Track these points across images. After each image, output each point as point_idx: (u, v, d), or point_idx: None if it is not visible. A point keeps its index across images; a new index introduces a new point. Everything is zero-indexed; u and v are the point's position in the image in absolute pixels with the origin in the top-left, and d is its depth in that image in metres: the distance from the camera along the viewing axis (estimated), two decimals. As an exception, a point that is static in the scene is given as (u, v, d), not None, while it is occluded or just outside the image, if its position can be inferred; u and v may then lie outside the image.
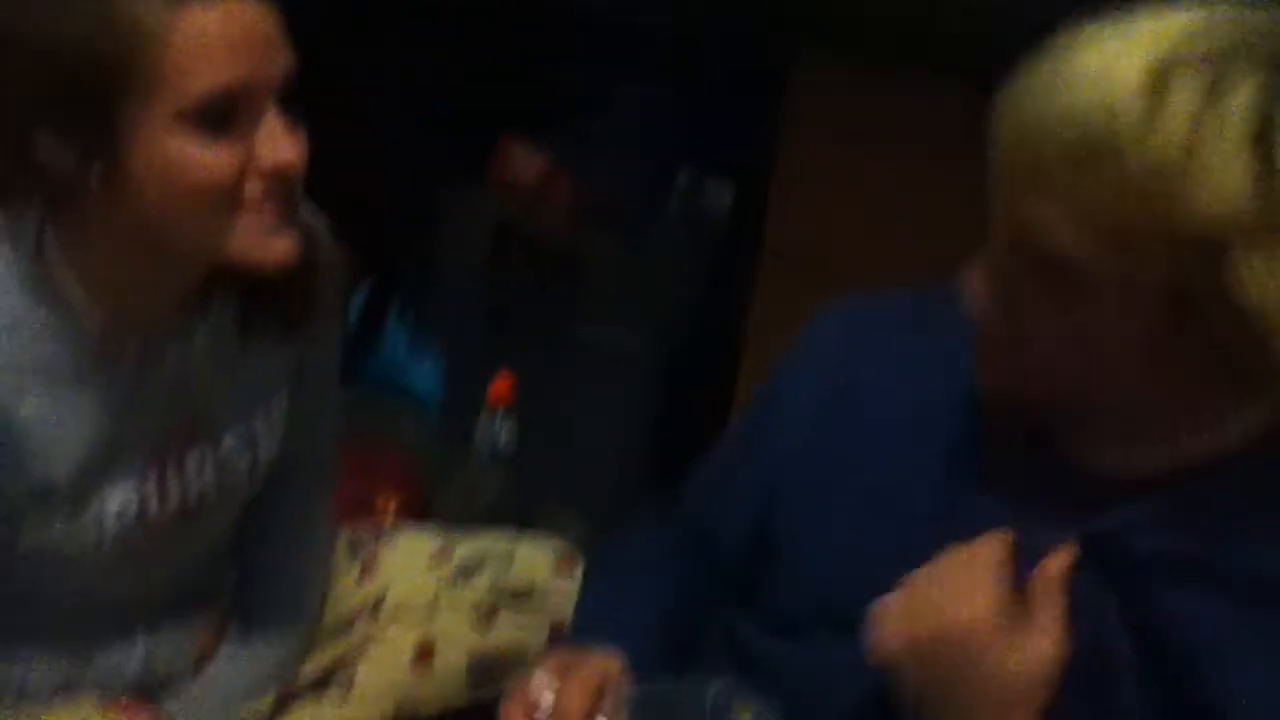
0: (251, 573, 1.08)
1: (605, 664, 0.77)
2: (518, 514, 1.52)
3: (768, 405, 0.87)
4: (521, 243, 1.75)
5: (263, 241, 0.82)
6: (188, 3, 0.75)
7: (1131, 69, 0.60)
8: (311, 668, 1.05)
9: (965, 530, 0.70)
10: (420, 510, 1.60)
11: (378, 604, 1.09)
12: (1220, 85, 0.59)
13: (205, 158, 0.77)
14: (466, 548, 1.13)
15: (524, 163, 1.80)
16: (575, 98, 1.78)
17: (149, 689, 0.99)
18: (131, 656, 0.98)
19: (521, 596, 1.09)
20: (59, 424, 0.85)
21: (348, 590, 1.10)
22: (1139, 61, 0.60)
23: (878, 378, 0.80)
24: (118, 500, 0.89)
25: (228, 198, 0.80)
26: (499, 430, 1.54)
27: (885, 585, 0.71)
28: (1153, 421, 0.68)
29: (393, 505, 1.53)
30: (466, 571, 1.11)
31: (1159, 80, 0.59)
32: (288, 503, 1.08)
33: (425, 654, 1.06)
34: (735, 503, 0.86)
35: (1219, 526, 0.67)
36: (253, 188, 0.80)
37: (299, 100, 0.84)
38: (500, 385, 1.55)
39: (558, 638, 1.08)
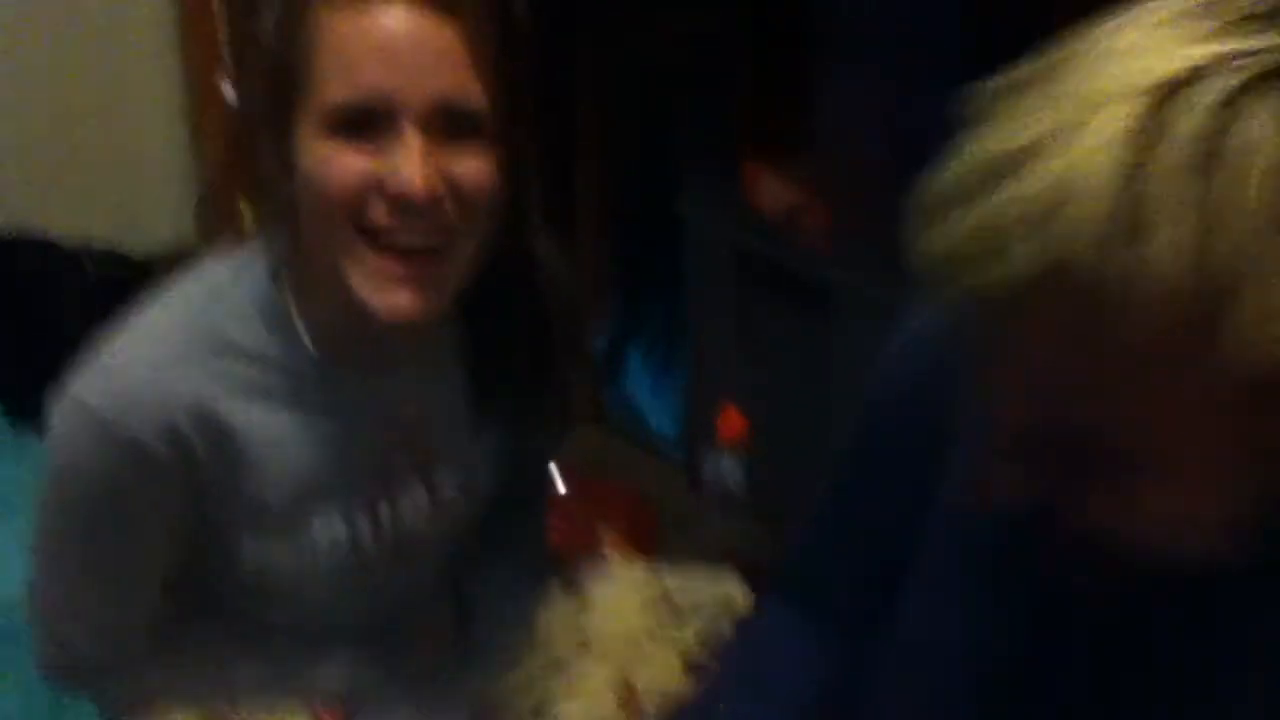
0: (463, 600, 1.14)
1: None
2: (750, 561, 1.52)
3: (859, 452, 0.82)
4: (770, 274, 1.76)
5: (381, 286, 0.81)
6: (344, 7, 0.78)
7: None
8: (520, 701, 1.08)
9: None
10: (648, 554, 1.62)
11: (587, 639, 1.12)
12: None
13: (336, 161, 0.79)
14: (683, 589, 1.14)
15: (776, 189, 1.81)
16: (831, 114, 1.78)
17: (355, 707, 1.05)
18: (337, 675, 1.05)
19: (737, 646, 1.10)
20: (277, 445, 0.92)
21: (559, 625, 1.14)
22: None
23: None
24: (330, 527, 0.95)
25: (353, 212, 0.80)
26: (729, 470, 1.55)
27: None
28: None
29: (619, 547, 1.57)
30: (681, 614, 1.12)
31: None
32: (501, 524, 1.13)
33: (631, 695, 1.08)
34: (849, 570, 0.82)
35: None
36: (378, 212, 0.80)
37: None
38: (730, 421, 1.55)
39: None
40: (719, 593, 1.14)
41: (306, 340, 0.92)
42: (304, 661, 1.04)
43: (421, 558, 1.04)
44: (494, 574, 1.14)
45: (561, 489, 1.66)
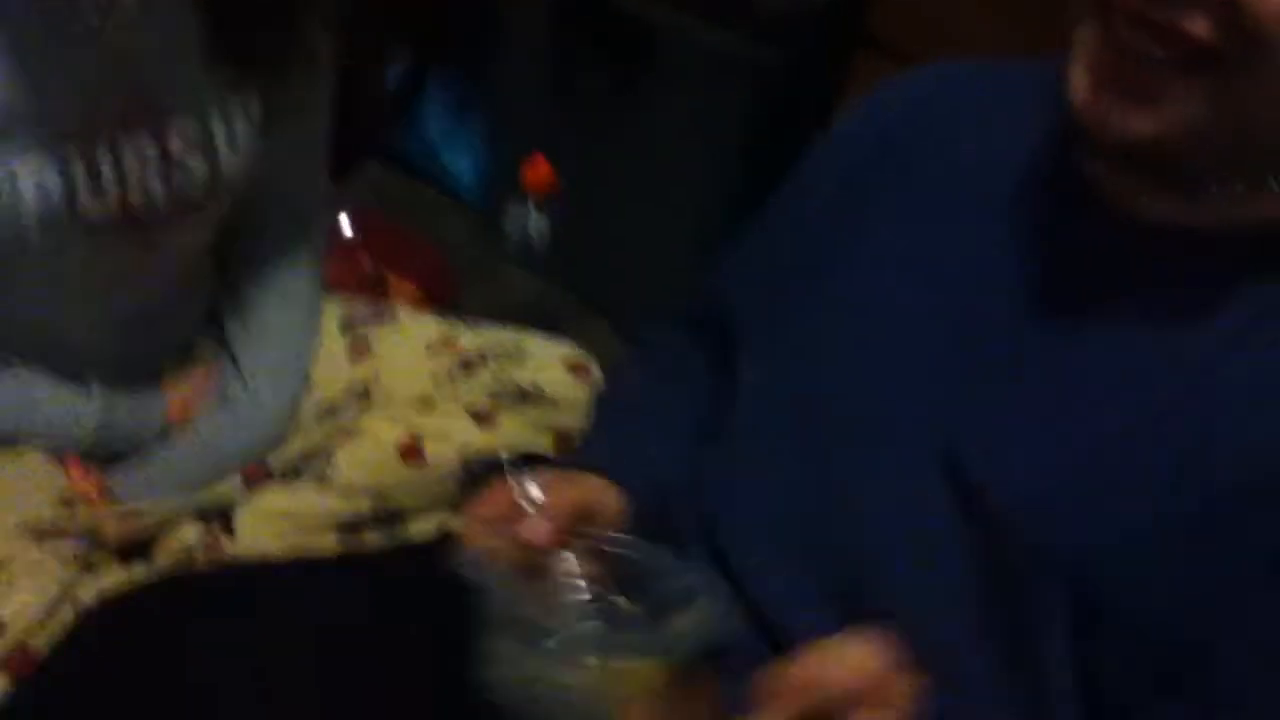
0: (227, 336, 1.05)
1: (605, 496, 0.76)
2: (546, 316, 1.49)
3: (798, 176, 0.83)
4: (589, 13, 1.65)
5: None
6: None
7: None
8: (287, 450, 1.03)
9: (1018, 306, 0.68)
10: (440, 303, 1.57)
11: (367, 389, 1.07)
12: None
13: None
14: (472, 340, 1.10)
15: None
16: None
17: (107, 453, 0.98)
18: (86, 410, 0.96)
19: (527, 398, 1.06)
20: None
21: (335, 370, 1.07)
22: None
23: (923, 140, 0.76)
24: (35, 176, 0.83)
25: None
26: (532, 221, 1.49)
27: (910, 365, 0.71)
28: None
29: (407, 292, 1.51)
30: (469, 365, 1.08)
31: None
32: (267, 260, 1.05)
33: (413, 448, 1.03)
34: (748, 275, 0.83)
35: None
36: None
37: None
38: (536, 170, 1.48)
39: (564, 447, 1.05)
40: (510, 344, 1.10)
41: None
42: (47, 393, 0.95)
43: (162, 241, 0.93)
44: (262, 313, 1.06)
45: (348, 232, 1.57)
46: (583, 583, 0.70)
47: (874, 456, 0.72)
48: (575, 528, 0.72)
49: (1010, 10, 1.22)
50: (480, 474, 1.04)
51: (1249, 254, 0.64)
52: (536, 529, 0.70)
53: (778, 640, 0.73)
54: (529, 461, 0.81)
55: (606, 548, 0.71)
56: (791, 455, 0.76)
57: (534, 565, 0.70)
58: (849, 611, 0.71)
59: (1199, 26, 0.56)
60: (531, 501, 0.72)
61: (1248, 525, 0.60)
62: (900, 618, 0.68)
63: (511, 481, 0.74)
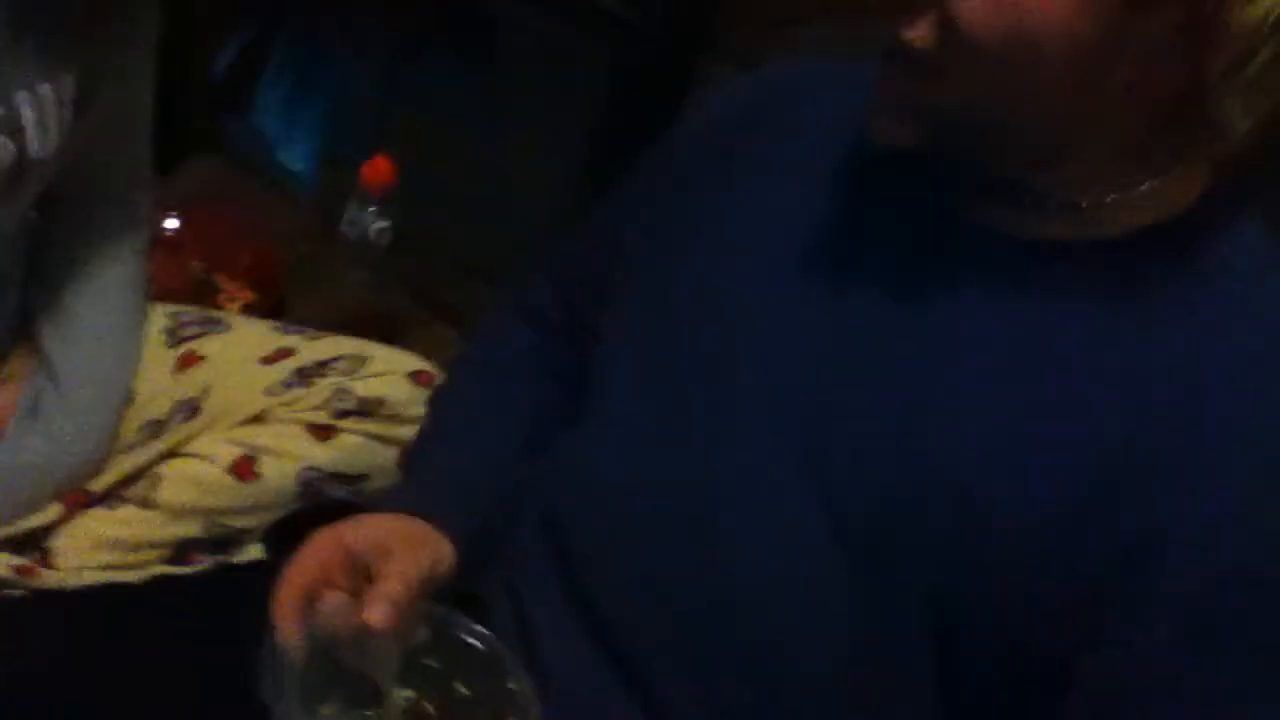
0: (39, 341, 0.99)
1: (439, 553, 0.74)
2: (384, 313, 1.45)
3: (640, 170, 0.84)
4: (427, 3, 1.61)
5: None
6: None
7: None
8: (110, 474, 0.97)
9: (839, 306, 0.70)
10: (274, 307, 1.51)
11: (196, 404, 1.01)
12: None
13: None
14: (309, 349, 1.05)
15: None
16: None
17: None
18: None
19: (369, 410, 1.03)
20: None
21: (161, 384, 1.02)
22: None
23: (768, 135, 0.77)
24: None
25: None
26: (371, 221, 1.44)
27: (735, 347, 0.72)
28: (1073, 175, 0.64)
29: (239, 295, 1.44)
30: (306, 376, 1.03)
31: None
32: (84, 254, 0.98)
33: (246, 466, 0.99)
34: (590, 269, 0.84)
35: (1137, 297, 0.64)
36: None
37: None
38: (376, 168, 1.44)
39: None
40: (350, 353, 1.06)
41: None
42: None
43: None
44: (78, 314, 0.99)
45: (173, 224, 1.50)
46: (409, 658, 0.70)
47: (743, 457, 0.71)
48: (415, 600, 0.70)
49: (851, 11, 1.23)
50: (317, 495, 1.00)
51: (1109, 263, 0.64)
52: (379, 614, 0.67)
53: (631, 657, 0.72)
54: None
55: (444, 628, 0.70)
56: (660, 454, 0.75)
57: (360, 639, 0.68)
58: (716, 622, 0.70)
59: (921, 35, 0.60)
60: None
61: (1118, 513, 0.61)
62: (775, 632, 0.68)
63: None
